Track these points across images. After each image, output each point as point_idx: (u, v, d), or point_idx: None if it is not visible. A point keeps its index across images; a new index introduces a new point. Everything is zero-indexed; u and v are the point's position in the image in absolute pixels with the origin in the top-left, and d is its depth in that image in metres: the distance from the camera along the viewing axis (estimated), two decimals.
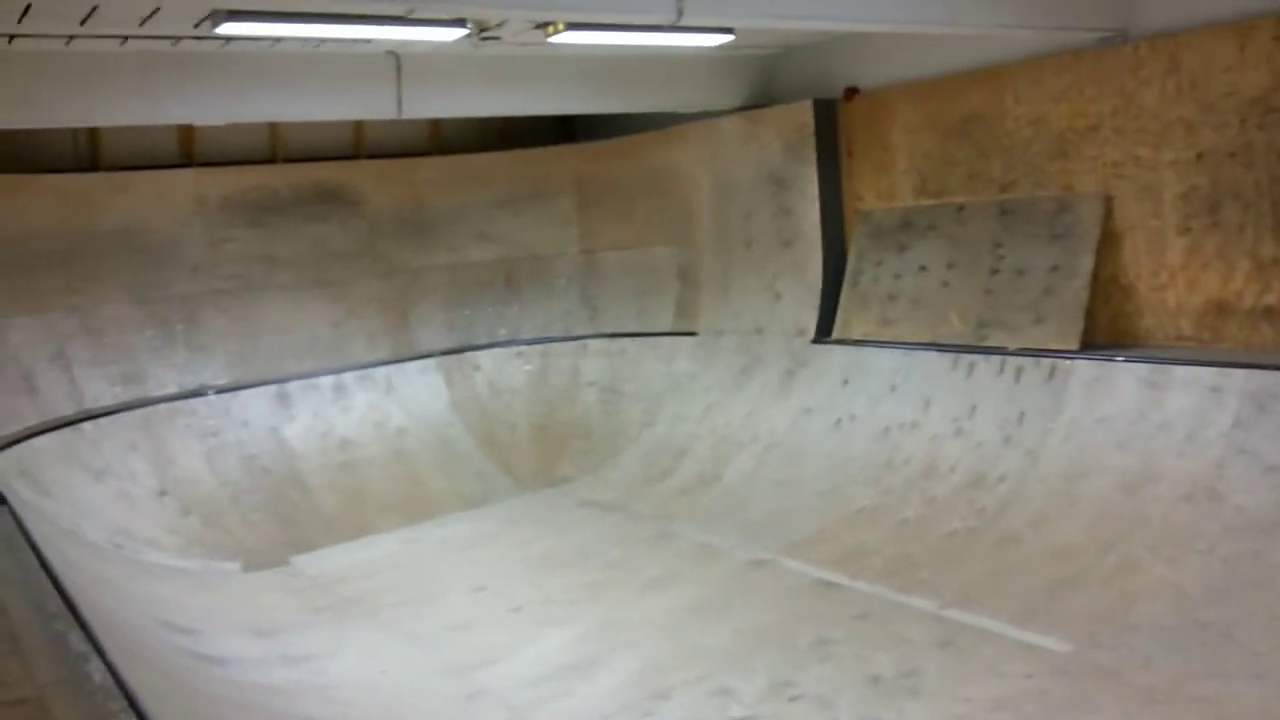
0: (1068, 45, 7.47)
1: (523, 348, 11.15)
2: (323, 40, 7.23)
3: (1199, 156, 6.85)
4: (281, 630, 6.41)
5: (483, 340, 11.20)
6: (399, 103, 8.12)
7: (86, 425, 8.35)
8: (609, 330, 11.16)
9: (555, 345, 11.18)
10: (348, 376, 10.14)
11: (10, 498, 6.24)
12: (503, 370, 10.97)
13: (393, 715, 5.30)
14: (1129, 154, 7.28)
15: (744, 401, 9.52)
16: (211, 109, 7.74)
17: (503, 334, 11.28)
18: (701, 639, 5.90)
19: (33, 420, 7.98)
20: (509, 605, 6.74)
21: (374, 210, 11.00)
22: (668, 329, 10.82)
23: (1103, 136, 7.42)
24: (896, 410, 8.22)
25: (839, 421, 8.58)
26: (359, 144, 11.22)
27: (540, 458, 10.29)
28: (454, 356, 10.85)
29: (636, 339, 10.91)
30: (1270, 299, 6.60)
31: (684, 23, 5.44)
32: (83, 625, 4.14)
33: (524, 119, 11.77)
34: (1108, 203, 7.45)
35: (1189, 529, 5.93)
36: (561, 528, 8.37)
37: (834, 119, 9.43)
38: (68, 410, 8.41)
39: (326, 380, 10.00)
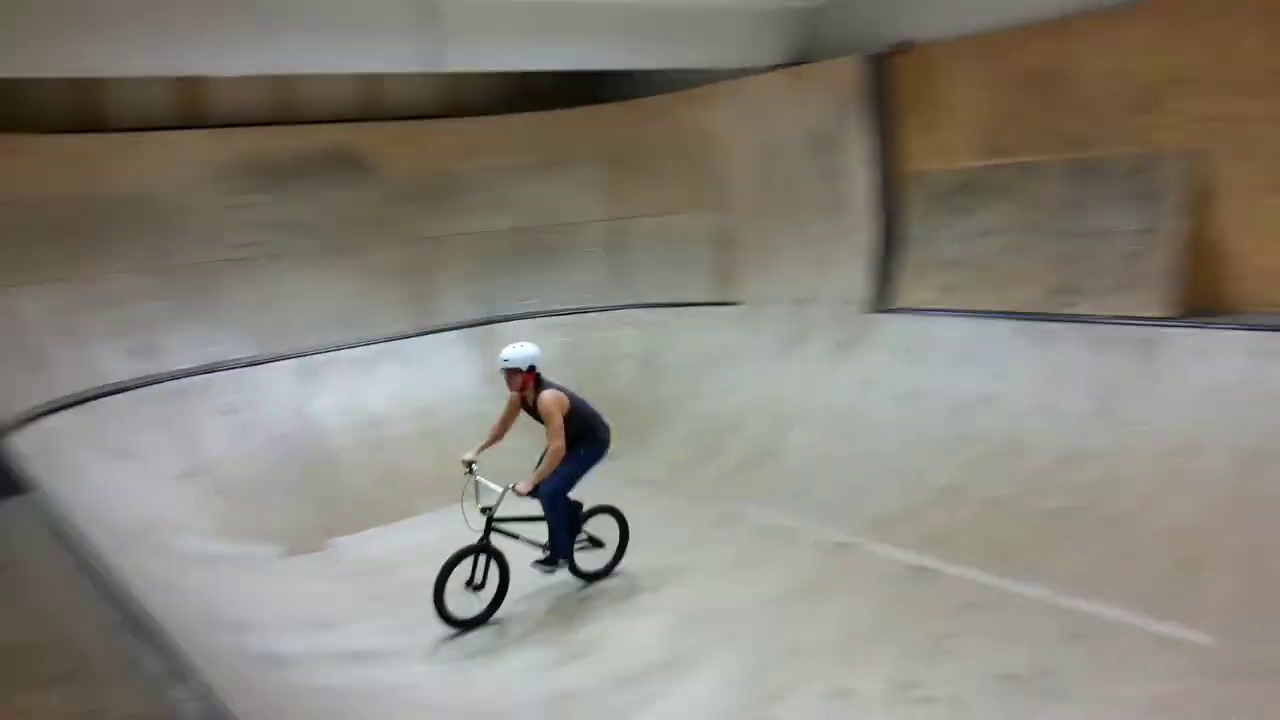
0: None
1: (556, 319, 10.58)
2: None
3: None
4: (339, 623, 5.89)
5: (508, 311, 10.65)
6: (441, 54, 7.51)
7: (101, 402, 7.75)
8: (642, 300, 10.64)
9: (587, 317, 10.64)
10: (373, 350, 9.57)
11: (35, 483, 5.65)
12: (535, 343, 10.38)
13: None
14: (1222, 108, 6.83)
15: (796, 374, 9.06)
16: (233, 58, 7.09)
17: (533, 304, 10.72)
18: (803, 633, 5.44)
19: (39, 398, 7.33)
20: (580, 595, 6.27)
21: (390, 175, 10.40)
22: (703, 298, 10.32)
23: (1191, 89, 6.96)
24: (968, 383, 7.79)
25: (904, 394, 8.13)
26: (372, 105, 10.58)
27: None
28: (483, 328, 10.29)
29: (675, 309, 10.39)
30: None
31: None
32: (156, 642, 3.61)
33: (544, 79, 11.16)
34: (1198, 161, 7.01)
35: None
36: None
37: (885, 75, 8.92)
38: (76, 386, 7.77)
39: (351, 354, 9.43)
